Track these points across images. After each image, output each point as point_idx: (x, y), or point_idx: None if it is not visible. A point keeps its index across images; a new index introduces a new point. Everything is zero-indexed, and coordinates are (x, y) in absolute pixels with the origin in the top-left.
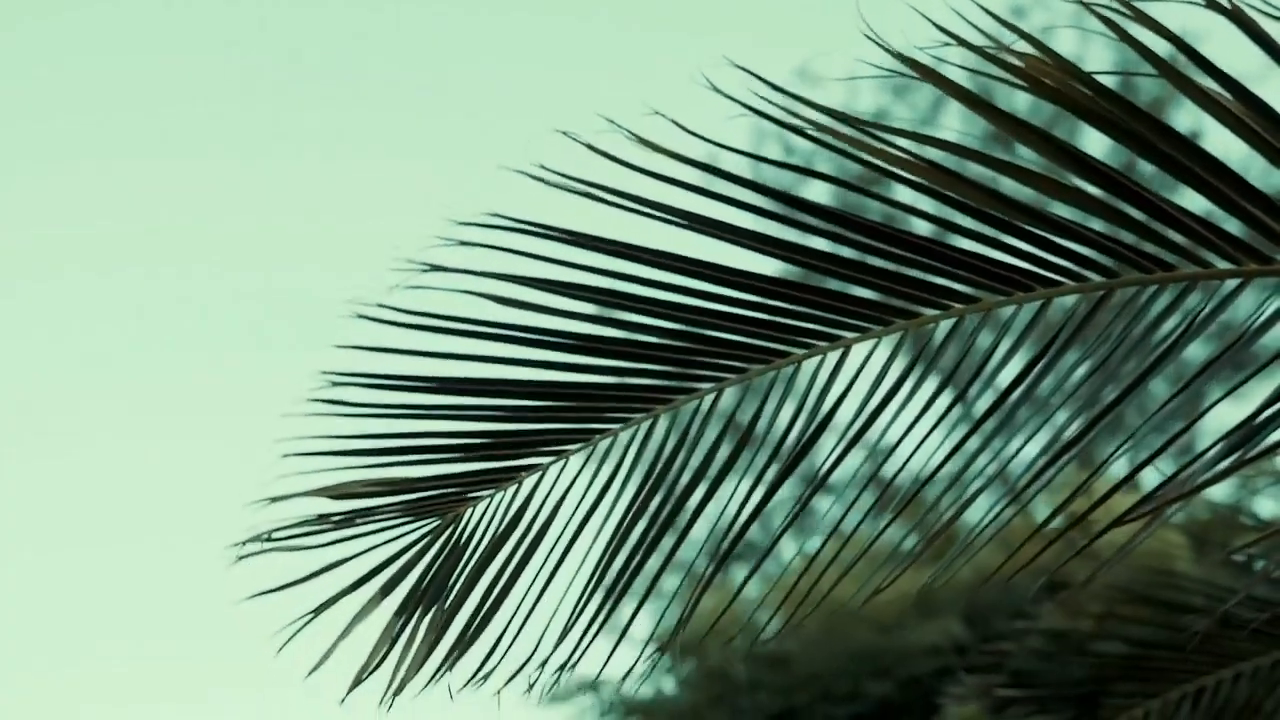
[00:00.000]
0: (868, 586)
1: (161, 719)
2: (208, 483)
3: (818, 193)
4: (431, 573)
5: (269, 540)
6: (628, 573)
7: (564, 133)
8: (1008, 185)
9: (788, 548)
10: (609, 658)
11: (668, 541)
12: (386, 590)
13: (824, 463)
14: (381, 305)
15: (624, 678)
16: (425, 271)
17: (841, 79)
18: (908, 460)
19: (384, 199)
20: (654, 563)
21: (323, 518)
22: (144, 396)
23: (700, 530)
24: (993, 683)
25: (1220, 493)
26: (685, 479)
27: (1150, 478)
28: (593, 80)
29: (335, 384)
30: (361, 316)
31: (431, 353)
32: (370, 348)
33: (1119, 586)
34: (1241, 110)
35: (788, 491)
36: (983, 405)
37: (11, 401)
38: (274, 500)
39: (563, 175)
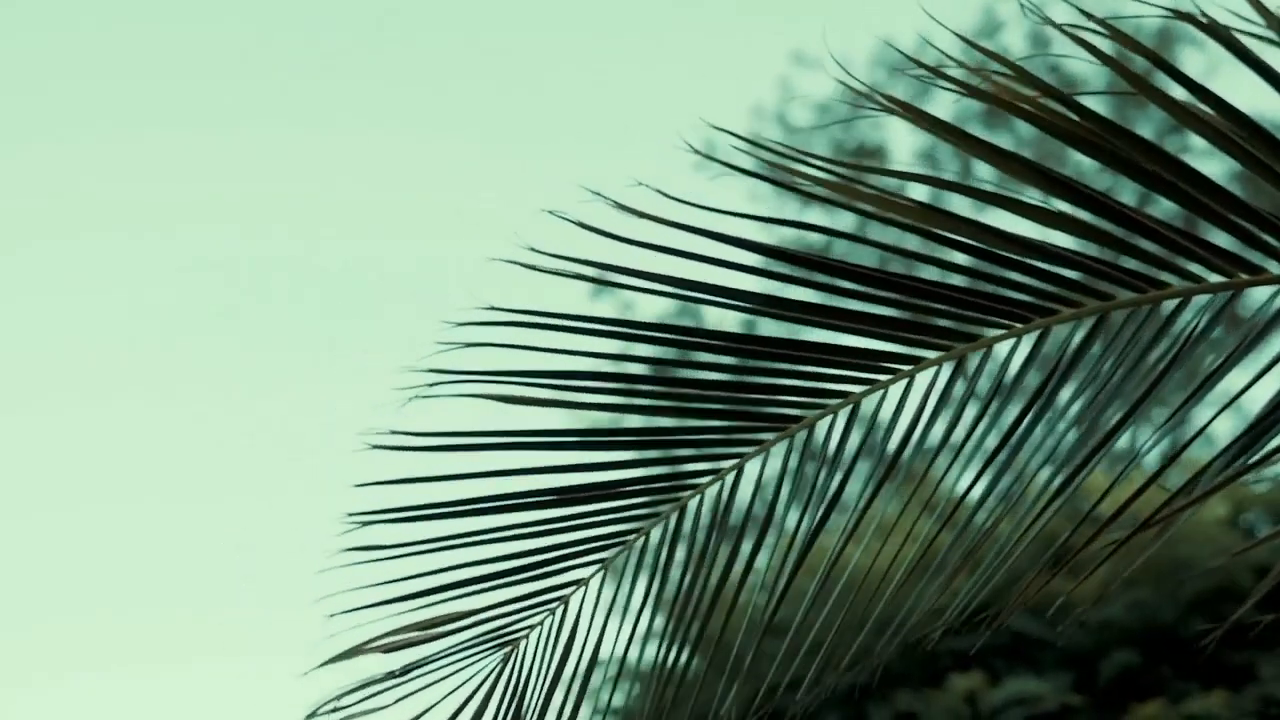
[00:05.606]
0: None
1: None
2: (220, 449)
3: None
4: (507, 705)
5: (340, 710)
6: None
7: (552, 212)
8: (992, 218)
9: (792, 517)
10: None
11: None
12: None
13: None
14: (396, 432)
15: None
16: (433, 384)
17: (816, 124)
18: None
19: (413, 171)
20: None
21: (388, 675)
22: (162, 361)
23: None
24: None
25: None
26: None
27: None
28: (616, 50)
29: (364, 524)
30: (377, 446)
31: (454, 475)
32: (390, 481)
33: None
34: (1221, 122)
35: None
36: (995, 434)
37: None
38: (328, 662)
39: (557, 257)
